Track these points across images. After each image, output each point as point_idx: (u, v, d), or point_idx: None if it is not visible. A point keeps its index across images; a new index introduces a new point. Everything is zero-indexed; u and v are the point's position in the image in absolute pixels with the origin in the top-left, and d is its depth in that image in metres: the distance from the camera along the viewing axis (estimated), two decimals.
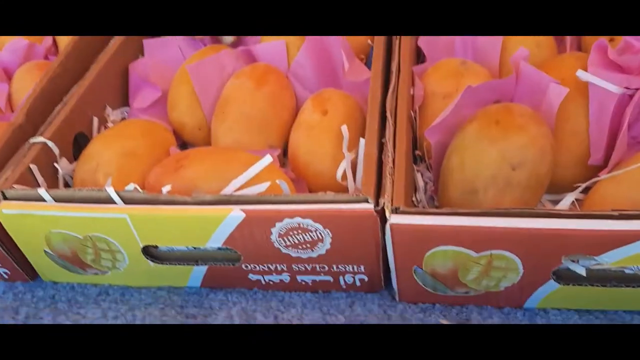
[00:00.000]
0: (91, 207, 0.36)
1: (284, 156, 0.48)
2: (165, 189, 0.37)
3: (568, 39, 0.48)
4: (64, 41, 0.59)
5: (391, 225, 0.33)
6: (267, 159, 0.38)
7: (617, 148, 0.37)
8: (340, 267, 0.38)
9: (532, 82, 0.41)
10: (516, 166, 0.36)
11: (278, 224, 0.35)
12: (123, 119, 0.52)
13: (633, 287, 0.34)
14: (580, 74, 0.38)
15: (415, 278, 0.36)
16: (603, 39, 0.40)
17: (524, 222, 0.31)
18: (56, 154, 0.43)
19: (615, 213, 0.31)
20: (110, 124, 0.50)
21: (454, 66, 0.45)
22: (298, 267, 0.38)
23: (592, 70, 0.39)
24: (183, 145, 0.51)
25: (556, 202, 0.40)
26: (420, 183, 0.41)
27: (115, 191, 0.37)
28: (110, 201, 0.37)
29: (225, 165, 0.39)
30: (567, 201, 0.37)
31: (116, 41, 0.53)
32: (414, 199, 0.40)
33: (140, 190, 0.37)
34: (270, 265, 0.38)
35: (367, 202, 0.34)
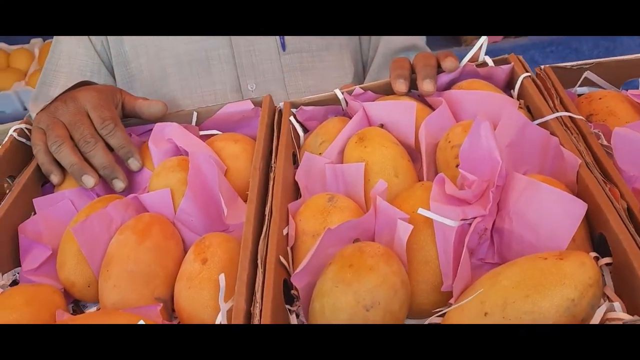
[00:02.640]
0: None
1: (173, 306, 0.49)
2: None
3: (425, 166, 0.53)
4: None
5: None
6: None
7: (458, 277, 0.41)
8: None
9: (387, 217, 0.45)
10: (370, 307, 0.39)
11: None
12: (14, 281, 0.53)
13: None
14: (421, 211, 0.42)
15: None
16: (441, 174, 0.45)
17: None
18: None
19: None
20: (0, 290, 0.51)
21: (322, 203, 0.49)
22: None
23: (433, 205, 0.43)
24: (75, 302, 0.52)
25: None
26: None
27: None
28: None
29: None
30: None
31: (5, 203, 0.55)
32: None
33: None
34: None
35: None
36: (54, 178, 0.59)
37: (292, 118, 0.61)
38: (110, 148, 0.59)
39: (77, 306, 0.52)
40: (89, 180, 0.57)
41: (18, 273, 0.53)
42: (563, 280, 0.36)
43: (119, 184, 0.58)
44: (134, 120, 0.65)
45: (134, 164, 0.59)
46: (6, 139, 0.62)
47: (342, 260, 0.41)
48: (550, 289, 0.36)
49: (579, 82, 0.61)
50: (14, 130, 0.62)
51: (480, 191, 0.44)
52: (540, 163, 0.49)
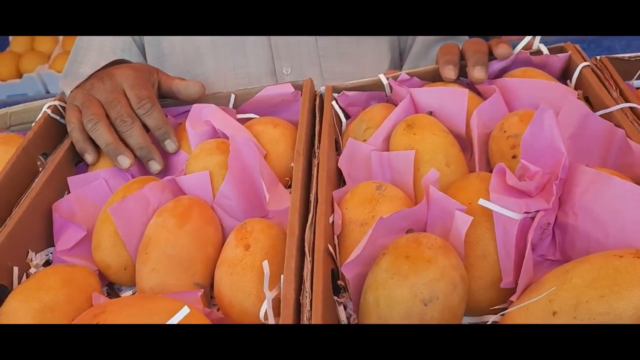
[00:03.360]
0: None
1: (211, 292, 0.47)
2: None
3: (476, 157, 0.50)
4: None
5: None
6: (184, 311, 0.38)
7: (523, 273, 0.38)
8: None
9: (442, 207, 0.43)
10: (428, 301, 0.36)
11: None
12: (47, 261, 0.51)
13: None
14: (482, 202, 0.40)
15: None
16: (501, 163, 0.43)
17: None
18: None
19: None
20: (33, 270, 0.49)
21: (369, 192, 0.46)
22: None
23: (494, 196, 0.41)
24: (109, 285, 0.51)
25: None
26: (343, 317, 0.41)
27: None
28: None
29: (142, 319, 0.38)
30: None
31: (39, 181, 0.53)
32: None
33: None
34: None
35: None
36: (88, 157, 0.57)
37: (334, 103, 0.58)
38: (146, 128, 0.58)
39: (112, 289, 0.51)
40: (125, 160, 0.55)
41: (51, 253, 0.52)
42: None
43: (155, 166, 0.56)
44: (169, 101, 0.63)
45: (170, 145, 0.57)
46: (40, 115, 0.60)
47: (397, 251, 0.39)
48: (627, 289, 0.33)
49: (637, 75, 0.58)
50: (48, 107, 0.61)
51: (542, 183, 0.42)
52: (602, 156, 0.46)
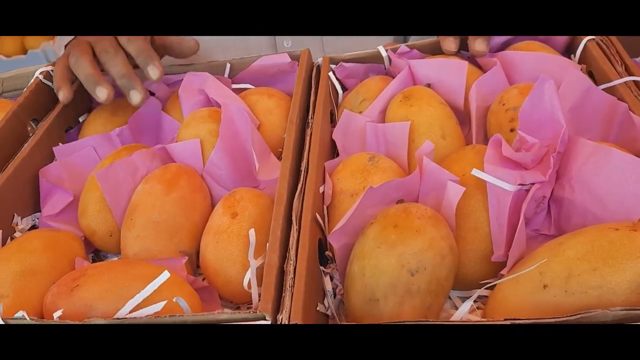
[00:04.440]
0: None
1: (197, 261, 0.46)
2: (57, 314, 0.36)
3: (474, 130, 0.49)
4: None
5: None
6: (164, 276, 0.37)
7: (514, 245, 0.37)
8: None
9: (435, 178, 0.41)
10: (415, 272, 0.35)
11: None
12: (33, 226, 0.50)
13: None
14: (475, 172, 0.39)
15: None
16: (498, 134, 0.41)
17: None
18: None
19: (508, 323, 0.30)
20: (18, 234, 0.49)
21: (362, 162, 0.45)
22: None
23: (488, 167, 0.39)
24: (96, 252, 0.50)
25: (465, 299, 0.40)
26: (329, 288, 0.40)
27: (2, 319, 0.35)
28: None
29: (123, 283, 0.38)
30: (465, 307, 0.36)
31: (28, 146, 0.52)
32: (320, 307, 0.39)
33: (28, 317, 0.35)
34: None
35: (265, 319, 0.33)
36: (62, 95, 0.54)
37: (331, 74, 0.57)
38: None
39: (98, 256, 0.50)
40: (102, 91, 0.51)
41: (37, 219, 0.51)
42: (637, 254, 0.32)
43: (137, 96, 0.52)
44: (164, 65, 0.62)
45: (152, 71, 0.53)
46: (32, 80, 0.59)
47: (386, 220, 0.37)
48: (622, 262, 0.32)
49: None
50: (40, 73, 0.59)
51: (539, 156, 0.40)
52: (604, 130, 0.45)
